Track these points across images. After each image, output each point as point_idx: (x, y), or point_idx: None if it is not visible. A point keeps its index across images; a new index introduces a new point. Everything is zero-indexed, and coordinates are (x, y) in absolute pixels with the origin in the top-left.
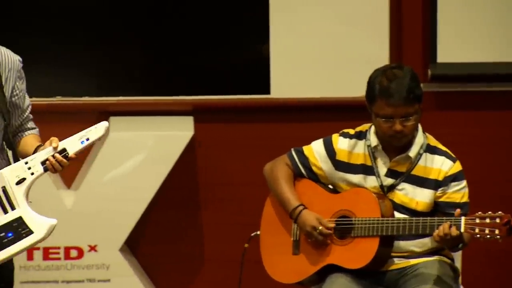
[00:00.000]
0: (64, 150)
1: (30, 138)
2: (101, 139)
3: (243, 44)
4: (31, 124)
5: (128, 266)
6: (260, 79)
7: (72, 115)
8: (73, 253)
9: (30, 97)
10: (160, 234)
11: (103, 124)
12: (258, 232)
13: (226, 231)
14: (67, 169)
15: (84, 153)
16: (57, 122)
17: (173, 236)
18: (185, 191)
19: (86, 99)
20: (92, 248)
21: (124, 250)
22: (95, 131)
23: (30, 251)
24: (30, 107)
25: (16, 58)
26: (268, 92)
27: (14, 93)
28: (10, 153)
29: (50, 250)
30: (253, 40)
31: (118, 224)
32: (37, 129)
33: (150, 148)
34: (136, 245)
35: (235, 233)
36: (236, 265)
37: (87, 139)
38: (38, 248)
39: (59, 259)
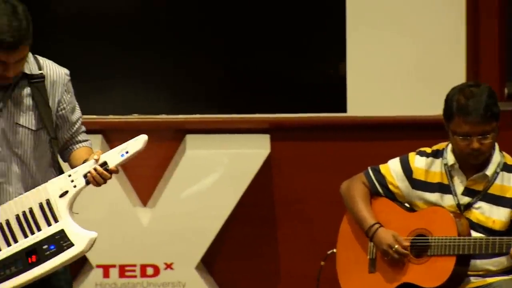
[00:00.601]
0: (105, 163)
1: (80, 151)
2: (140, 152)
3: (320, 62)
4: (82, 137)
5: (204, 284)
6: (336, 97)
7: (148, 132)
8: (149, 271)
9: (107, 114)
10: (236, 251)
11: (142, 138)
12: (335, 250)
13: (303, 249)
14: (144, 187)
15: (161, 171)
16: None
17: (249, 254)
18: (261, 208)
19: (162, 117)
20: (168, 266)
21: (200, 268)
22: (135, 144)
23: (106, 268)
24: (80, 120)
25: (63, 72)
26: (344, 110)
27: (61, 107)
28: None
29: (126, 268)
30: (330, 58)
31: (194, 242)
32: (89, 141)
33: (226, 166)
34: (212, 262)
35: (311, 250)
36: (313, 283)
37: (127, 152)
38: (114, 266)
39: (135, 276)
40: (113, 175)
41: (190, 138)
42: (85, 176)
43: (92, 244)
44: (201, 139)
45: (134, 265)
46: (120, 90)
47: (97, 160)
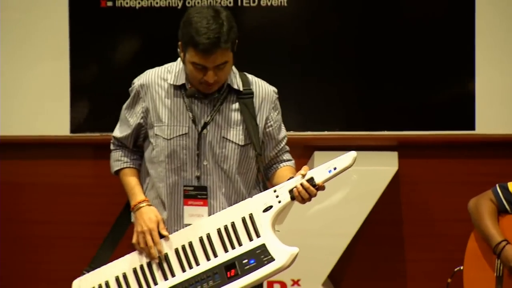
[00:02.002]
0: (311, 179)
1: (284, 170)
2: (348, 168)
3: (448, 80)
4: (286, 156)
5: None
6: (465, 115)
7: None
8: (276, 287)
9: None
10: (363, 269)
11: (351, 154)
12: (462, 267)
13: (430, 266)
14: None
15: None
16: None
17: (376, 271)
18: (388, 226)
19: (291, 133)
20: (295, 283)
21: (327, 285)
22: (343, 160)
23: None
24: (285, 139)
25: (271, 89)
26: (473, 128)
27: (269, 124)
28: None
29: None
30: (458, 76)
31: (321, 259)
32: (293, 161)
33: (354, 183)
34: (339, 280)
35: (438, 267)
36: None
37: (335, 168)
38: None
39: None
40: None
41: (318, 155)
42: (290, 191)
43: (293, 259)
44: (329, 156)
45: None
46: None
47: (303, 176)
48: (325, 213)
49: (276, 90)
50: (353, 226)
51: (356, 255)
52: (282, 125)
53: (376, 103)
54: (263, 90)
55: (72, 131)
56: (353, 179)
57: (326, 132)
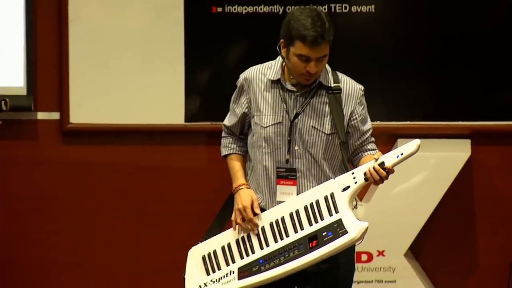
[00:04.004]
0: (382, 163)
1: (367, 158)
2: (414, 154)
3: None
4: (371, 146)
5: (411, 269)
6: None
7: None
8: (364, 257)
9: None
10: (439, 242)
11: (415, 142)
12: None
13: (498, 242)
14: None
15: None
16: None
17: (450, 245)
18: (461, 206)
19: (377, 123)
20: (380, 253)
21: (408, 255)
22: (408, 147)
23: None
24: (370, 131)
25: (358, 87)
26: None
27: (354, 117)
28: None
29: None
30: None
31: (403, 233)
32: (376, 151)
33: (432, 166)
34: (419, 250)
35: (507, 244)
36: (505, 271)
37: (401, 154)
38: None
39: None
40: None
41: (401, 142)
42: (365, 174)
43: (363, 233)
44: None
45: None
46: None
47: (376, 159)
48: (407, 193)
49: (362, 87)
50: (431, 204)
51: (433, 230)
52: (368, 118)
53: (451, 96)
54: (350, 87)
55: (186, 120)
56: (431, 163)
57: (408, 122)
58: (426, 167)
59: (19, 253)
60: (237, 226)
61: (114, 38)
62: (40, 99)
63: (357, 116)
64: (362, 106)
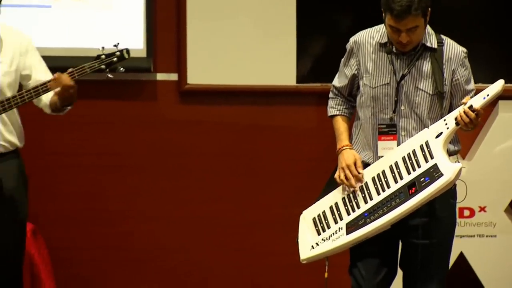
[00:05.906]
0: (471, 106)
1: None
2: (499, 94)
3: None
4: None
5: (511, 224)
6: None
7: None
8: (466, 212)
9: None
10: None
11: (500, 82)
12: None
13: None
14: (463, 143)
15: (477, 130)
16: None
17: None
18: None
19: (479, 85)
20: (482, 209)
21: (508, 211)
22: (493, 88)
23: None
24: (473, 91)
25: (460, 49)
26: None
27: (455, 77)
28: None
29: None
30: None
31: (503, 189)
32: None
33: None
34: None
35: None
36: None
37: (487, 95)
38: None
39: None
40: None
41: (502, 103)
42: (455, 118)
43: (457, 173)
44: (510, 104)
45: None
46: None
47: (464, 103)
48: (507, 151)
49: (465, 50)
50: None
51: None
52: (471, 80)
53: None
54: (453, 48)
55: (298, 82)
56: None
57: (508, 84)
58: None
59: (131, 207)
60: (341, 186)
61: (229, 2)
62: (159, 60)
63: (459, 77)
64: (465, 68)
